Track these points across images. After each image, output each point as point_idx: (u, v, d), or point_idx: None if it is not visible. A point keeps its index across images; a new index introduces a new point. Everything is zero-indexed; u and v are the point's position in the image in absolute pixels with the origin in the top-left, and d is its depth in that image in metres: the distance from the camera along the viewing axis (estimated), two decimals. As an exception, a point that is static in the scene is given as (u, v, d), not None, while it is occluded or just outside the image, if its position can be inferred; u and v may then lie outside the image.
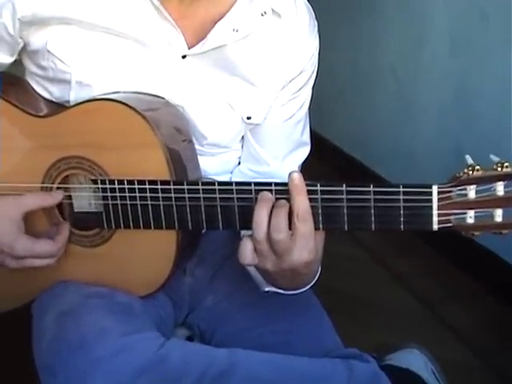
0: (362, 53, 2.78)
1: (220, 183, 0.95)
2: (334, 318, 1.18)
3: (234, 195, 0.93)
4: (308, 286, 1.02)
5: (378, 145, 2.71)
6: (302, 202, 0.89)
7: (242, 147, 1.18)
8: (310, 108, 1.21)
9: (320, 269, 1.01)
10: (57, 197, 1.03)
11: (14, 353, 1.27)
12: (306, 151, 1.21)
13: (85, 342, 0.94)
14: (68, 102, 1.06)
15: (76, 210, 1.07)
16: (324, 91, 2.77)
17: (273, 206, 0.90)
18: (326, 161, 2.74)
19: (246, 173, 1.18)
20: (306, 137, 1.21)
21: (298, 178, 0.89)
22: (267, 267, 0.93)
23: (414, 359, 1.38)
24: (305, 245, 0.90)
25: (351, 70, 2.88)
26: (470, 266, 2.13)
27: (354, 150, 2.88)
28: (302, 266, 0.92)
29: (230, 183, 0.94)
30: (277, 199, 0.91)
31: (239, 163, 1.20)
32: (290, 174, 0.90)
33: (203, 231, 1.11)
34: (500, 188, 0.84)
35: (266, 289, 1.05)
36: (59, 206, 1.06)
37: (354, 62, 2.85)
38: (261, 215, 0.90)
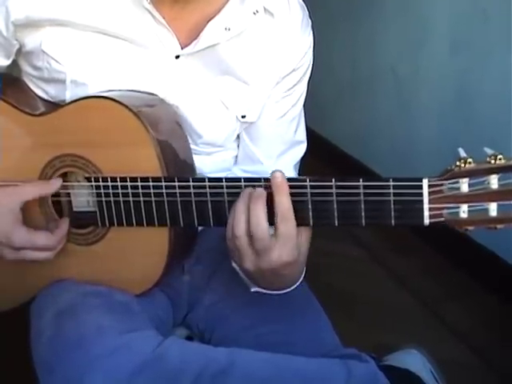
0: (362, 52, 2.77)
1: (210, 179, 0.95)
2: (333, 317, 1.18)
3: (224, 190, 0.93)
4: (293, 287, 1.01)
5: (377, 144, 2.70)
6: (283, 201, 0.88)
7: (238, 146, 1.18)
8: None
9: (305, 270, 1.00)
10: (55, 184, 1.02)
11: (14, 352, 1.27)
12: (301, 150, 1.20)
13: (83, 341, 0.94)
14: (64, 101, 1.06)
15: (75, 210, 1.07)
16: (323, 91, 2.78)
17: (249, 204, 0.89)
18: (325, 160, 2.73)
19: (239, 175, 1.17)
20: (301, 135, 1.20)
21: (279, 176, 0.88)
22: (246, 266, 0.92)
23: (412, 359, 1.37)
24: (284, 245, 0.89)
25: (351, 70, 2.88)
26: (469, 266, 2.12)
27: (353, 149, 2.88)
28: (281, 267, 0.91)
29: (220, 179, 0.94)
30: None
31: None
32: (272, 172, 0.89)
33: (199, 229, 1.11)
34: (494, 181, 0.82)
35: (253, 289, 1.05)
36: (57, 205, 1.06)
37: (353, 61, 2.85)
38: (240, 209, 0.89)
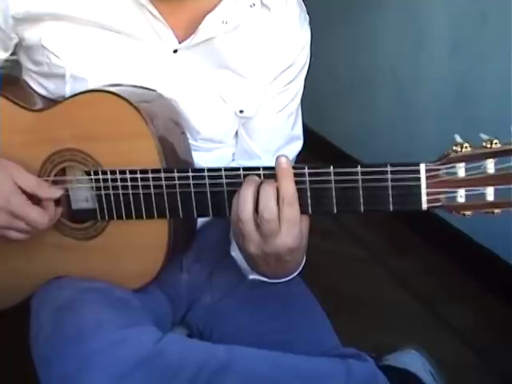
0: (361, 52, 2.78)
1: (209, 169, 0.95)
2: (333, 317, 1.17)
3: (223, 180, 0.93)
4: (292, 276, 1.02)
5: (377, 144, 2.70)
6: (288, 186, 0.89)
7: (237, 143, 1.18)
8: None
9: (303, 265, 1.01)
10: (54, 193, 1.03)
11: (14, 350, 1.27)
12: (298, 145, 1.20)
13: (82, 335, 0.94)
14: (63, 96, 1.07)
15: (74, 207, 1.06)
16: (323, 91, 2.78)
17: (259, 188, 0.90)
18: (324, 160, 2.71)
19: None
20: (298, 130, 1.21)
21: (285, 161, 0.89)
22: (251, 250, 0.92)
23: (412, 360, 1.37)
24: (289, 230, 0.90)
25: (350, 70, 2.88)
26: (470, 266, 2.12)
27: (353, 149, 2.87)
28: (285, 252, 0.92)
29: (219, 169, 0.94)
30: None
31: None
32: (277, 157, 0.90)
33: (198, 225, 1.11)
34: (490, 166, 0.83)
35: (251, 277, 1.06)
36: (55, 201, 1.06)
37: (353, 61, 2.85)
38: (247, 194, 0.90)
